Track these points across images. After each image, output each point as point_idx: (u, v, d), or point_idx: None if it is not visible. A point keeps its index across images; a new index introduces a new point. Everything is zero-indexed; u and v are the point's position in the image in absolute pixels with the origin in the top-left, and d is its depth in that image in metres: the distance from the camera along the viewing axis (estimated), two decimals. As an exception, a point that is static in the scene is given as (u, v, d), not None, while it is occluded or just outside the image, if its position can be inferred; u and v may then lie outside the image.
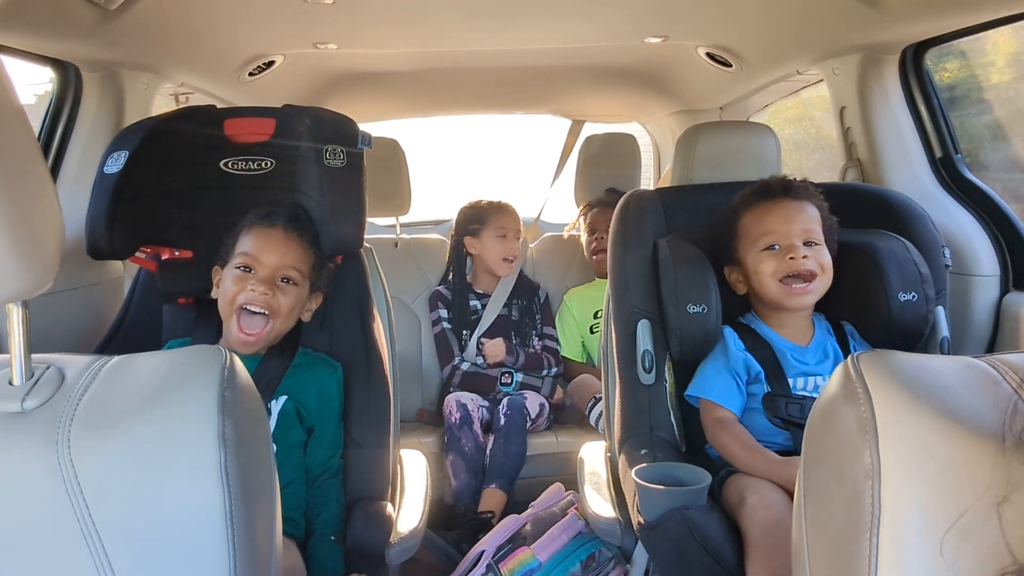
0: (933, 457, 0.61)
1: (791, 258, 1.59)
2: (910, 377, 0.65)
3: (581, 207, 3.05)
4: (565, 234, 3.10)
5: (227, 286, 1.51)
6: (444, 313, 2.79)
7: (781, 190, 1.67)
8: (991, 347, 1.96)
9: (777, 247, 1.62)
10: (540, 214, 3.41)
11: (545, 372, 2.72)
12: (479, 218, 2.80)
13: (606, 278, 2.78)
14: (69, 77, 1.93)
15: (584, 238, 2.94)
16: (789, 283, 1.59)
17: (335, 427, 1.57)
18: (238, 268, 1.51)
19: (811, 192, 1.69)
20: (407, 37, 2.33)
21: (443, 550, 2.15)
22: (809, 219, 1.63)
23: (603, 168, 3.15)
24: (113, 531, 0.67)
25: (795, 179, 1.71)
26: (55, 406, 0.70)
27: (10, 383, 0.71)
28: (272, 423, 1.48)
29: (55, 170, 1.95)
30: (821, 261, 1.60)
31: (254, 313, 1.48)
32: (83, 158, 1.94)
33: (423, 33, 2.28)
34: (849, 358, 0.69)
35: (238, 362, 0.76)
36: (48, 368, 0.73)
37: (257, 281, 1.48)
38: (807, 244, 1.61)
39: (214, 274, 1.57)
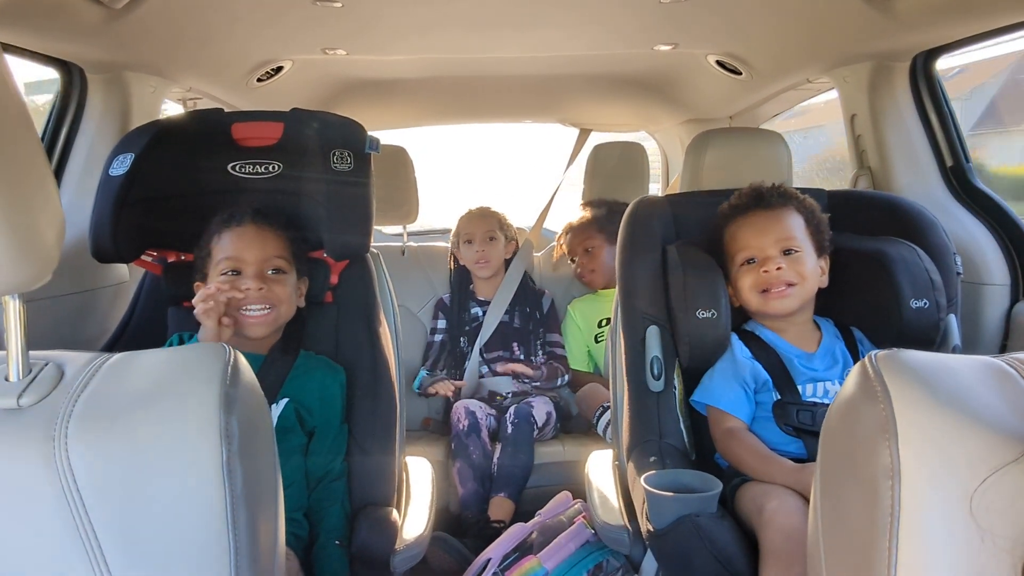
0: (953, 456, 0.60)
1: (765, 271, 1.59)
2: (929, 376, 0.64)
3: (559, 234, 3.03)
4: (554, 257, 3.04)
5: None
6: (442, 324, 2.84)
7: (753, 202, 1.66)
8: (1001, 355, 1.94)
9: (754, 260, 1.62)
10: (540, 222, 3.39)
11: (560, 382, 2.71)
12: (456, 229, 2.88)
13: (605, 288, 2.81)
14: (73, 78, 1.93)
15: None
16: (768, 292, 1.59)
17: (337, 430, 1.55)
18: (225, 274, 1.50)
19: (787, 197, 1.67)
20: (416, 44, 2.33)
21: (458, 550, 2.14)
22: (785, 227, 1.62)
23: (611, 177, 3.14)
24: (110, 530, 0.66)
25: (769, 186, 1.69)
26: (53, 403, 0.68)
27: (6, 379, 0.70)
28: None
29: (59, 172, 1.94)
30: (800, 270, 1.59)
31: (253, 311, 1.48)
32: (88, 160, 1.94)
33: (432, 40, 2.28)
34: (867, 357, 0.67)
35: (242, 359, 0.74)
36: (46, 365, 0.72)
37: (249, 279, 1.48)
38: (786, 253, 1.60)
39: (197, 289, 1.53)
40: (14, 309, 0.71)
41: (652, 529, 1.37)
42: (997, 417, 0.61)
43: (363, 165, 1.66)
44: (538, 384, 2.67)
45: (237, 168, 1.65)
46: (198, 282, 1.55)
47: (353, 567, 1.45)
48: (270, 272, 1.51)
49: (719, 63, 2.49)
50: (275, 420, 1.47)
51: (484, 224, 2.81)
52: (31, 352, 0.72)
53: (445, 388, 2.60)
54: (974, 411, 0.61)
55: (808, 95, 2.81)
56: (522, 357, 2.75)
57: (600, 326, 2.77)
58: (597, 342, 2.77)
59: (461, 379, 2.73)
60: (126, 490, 0.66)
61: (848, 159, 2.36)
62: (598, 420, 2.54)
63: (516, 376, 2.66)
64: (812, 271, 1.61)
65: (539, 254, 3.10)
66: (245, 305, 1.47)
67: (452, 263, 2.91)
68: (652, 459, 1.57)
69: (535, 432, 2.46)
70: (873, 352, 0.68)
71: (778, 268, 1.58)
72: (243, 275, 1.49)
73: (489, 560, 1.86)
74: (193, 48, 2.05)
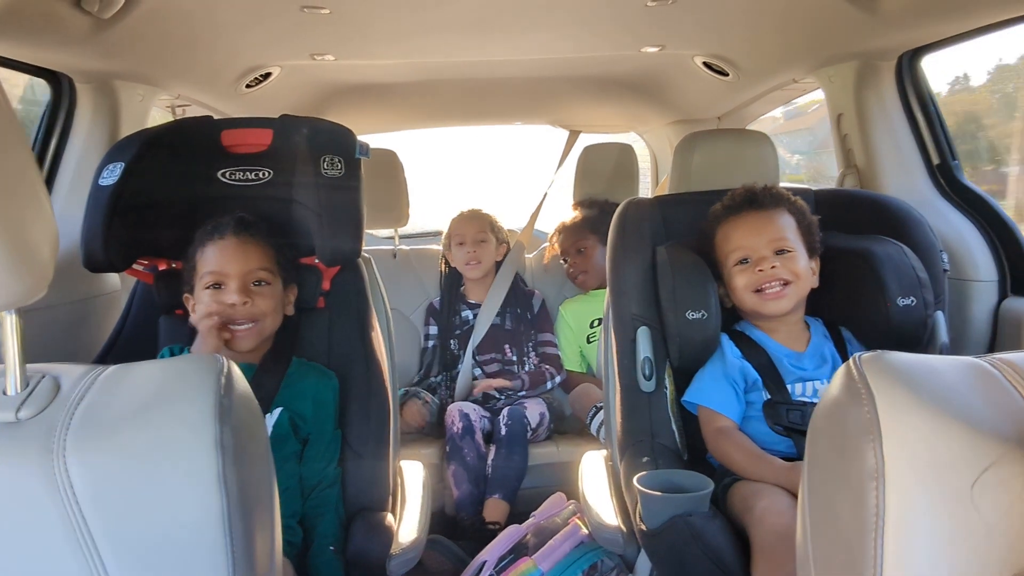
0: (937, 456, 0.61)
1: (760, 270, 1.60)
2: (913, 377, 0.65)
3: (551, 234, 3.04)
4: (546, 259, 3.04)
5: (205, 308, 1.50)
6: (433, 330, 2.85)
7: (746, 203, 1.67)
8: (990, 352, 1.95)
9: (748, 260, 1.63)
10: (531, 223, 3.39)
11: (550, 385, 2.71)
12: (448, 231, 2.88)
13: (597, 289, 2.82)
14: (63, 88, 1.93)
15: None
16: (763, 291, 1.60)
17: (331, 436, 1.56)
18: (208, 287, 1.50)
19: (779, 198, 1.68)
20: (405, 47, 2.33)
21: (454, 553, 2.14)
22: (778, 227, 1.63)
23: (601, 178, 3.15)
24: (110, 541, 0.66)
25: (761, 187, 1.70)
26: (50, 416, 0.69)
27: (4, 393, 0.70)
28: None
29: (49, 182, 1.94)
30: (794, 268, 1.60)
31: (239, 325, 1.49)
32: (78, 170, 1.94)
33: (421, 43, 2.28)
34: (851, 359, 0.68)
35: (236, 370, 0.75)
36: (43, 377, 0.72)
37: (232, 292, 1.48)
38: (779, 253, 1.61)
39: (186, 301, 1.56)
40: (10, 324, 0.71)
41: (645, 529, 1.38)
42: (980, 417, 0.62)
43: (353, 170, 1.66)
44: (523, 393, 2.67)
45: (227, 175, 1.65)
46: (187, 294, 1.55)
47: (349, 572, 1.46)
48: (253, 284, 1.51)
49: (706, 64, 2.50)
50: (270, 429, 1.48)
51: (475, 225, 2.82)
52: (27, 365, 0.73)
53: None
54: (957, 411, 0.62)
55: (795, 95, 2.83)
56: (514, 359, 2.76)
57: (592, 326, 2.78)
58: (589, 342, 2.78)
59: (454, 382, 2.74)
60: (124, 501, 0.66)
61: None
62: (591, 420, 2.55)
63: (498, 391, 2.66)
64: (804, 270, 1.63)
65: (531, 255, 3.11)
66: (231, 319, 1.48)
67: (443, 266, 2.92)
68: (645, 459, 1.59)
69: (529, 433, 2.47)
70: (858, 354, 0.69)
71: (772, 267, 1.59)
72: (226, 288, 1.49)
73: (485, 562, 1.87)
74: (181, 56, 2.05)
